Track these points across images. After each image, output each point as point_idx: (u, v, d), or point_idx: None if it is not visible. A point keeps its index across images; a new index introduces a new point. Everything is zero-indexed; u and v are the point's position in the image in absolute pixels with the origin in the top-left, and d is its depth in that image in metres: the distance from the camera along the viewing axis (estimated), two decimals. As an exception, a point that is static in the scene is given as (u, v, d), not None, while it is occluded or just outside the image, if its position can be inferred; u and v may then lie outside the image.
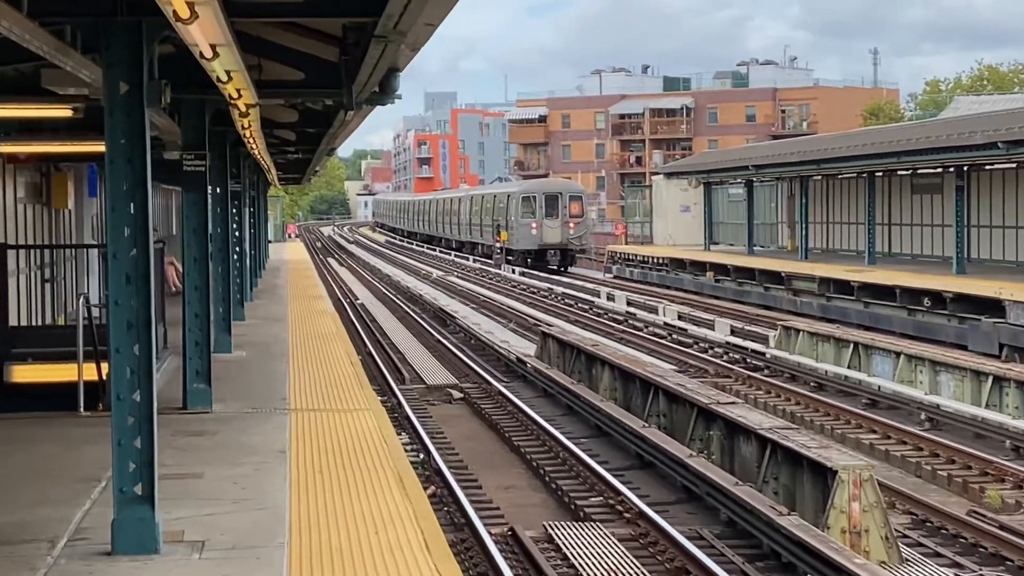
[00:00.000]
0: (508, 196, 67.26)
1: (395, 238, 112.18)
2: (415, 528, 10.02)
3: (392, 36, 10.13)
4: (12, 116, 14.24)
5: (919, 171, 42.19)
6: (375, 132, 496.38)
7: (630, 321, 38.50)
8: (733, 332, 32.11)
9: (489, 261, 68.43)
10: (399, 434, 17.06)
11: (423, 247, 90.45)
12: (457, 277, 59.59)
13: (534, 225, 64.42)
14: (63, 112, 13.04)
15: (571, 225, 64.16)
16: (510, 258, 65.16)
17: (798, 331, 27.87)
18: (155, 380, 9.09)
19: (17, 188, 20.20)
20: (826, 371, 25.98)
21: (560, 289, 49.94)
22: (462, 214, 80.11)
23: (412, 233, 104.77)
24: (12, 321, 16.48)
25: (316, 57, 13.78)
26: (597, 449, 18.83)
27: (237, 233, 27.66)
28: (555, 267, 64.46)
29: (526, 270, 60.92)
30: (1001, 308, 28.97)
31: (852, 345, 25.58)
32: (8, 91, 12.23)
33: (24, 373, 15.05)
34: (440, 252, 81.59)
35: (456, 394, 24.64)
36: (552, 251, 64.87)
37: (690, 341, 32.74)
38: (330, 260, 78.45)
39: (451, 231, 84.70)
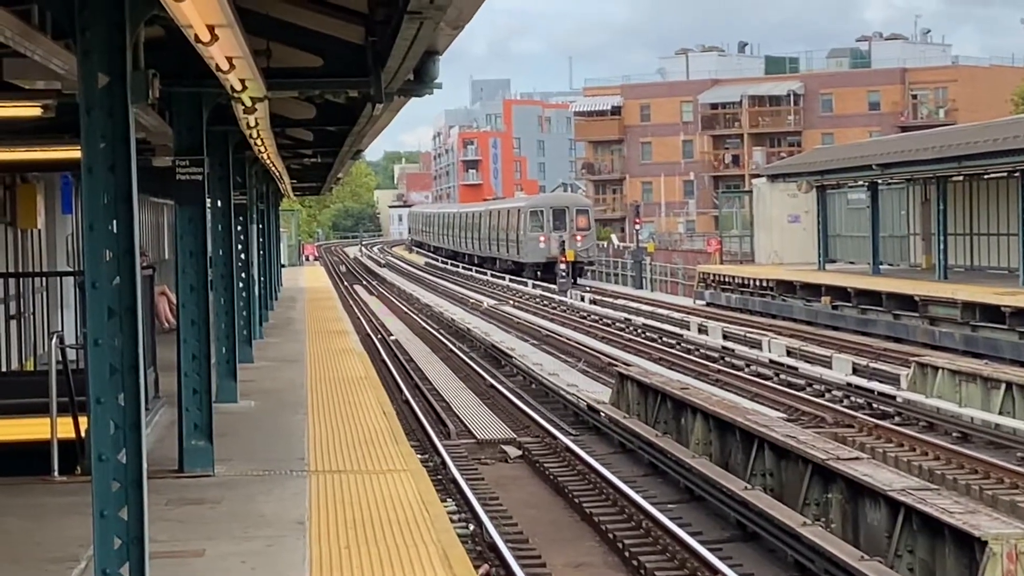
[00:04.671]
0: (519, 211, 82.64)
1: (436, 259, 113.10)
2: (464, 616, 10.02)
3: (429, 11, 10.18)
4: (-32, 117, 14.39)
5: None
6: (411, 130, 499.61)
7: (727, 359, 38.39)
8: (855, 371, 31.92)
9: (552, 286, 69.49)
10: (443, 500, 17.05)
11: (470, 270, 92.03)
12: (513, 306, 59.74)
13: (543, 239, 79.02)
14: (30, 111, 13.17)
15: (578, 238, 78.49)
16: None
17: (936, 369, 27.66)
18: (144, 437, 9.12)
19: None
20: (972, 418, 25.77)
21: (640, 320, 49.92)
22: (482, 229, 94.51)
23: (438, 248, 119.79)
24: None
25: (337, 39, 13.86)
26: (688, 517, 18.77)
27: (243, 256, 27.81)
28: (563, 279, 74.92)
29: (598, 297, 61.84)
30: None
31: (1004, 386, 25.35)
32: (-38, 87, 12.35)
33: (-16, 430, 15.17)
34: (492, 276, 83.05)
35: (513, 451, 24.64)
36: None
37: (802, 383, 32.59)
38: (357, 288, 78.80)
39: (472, 246, 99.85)
